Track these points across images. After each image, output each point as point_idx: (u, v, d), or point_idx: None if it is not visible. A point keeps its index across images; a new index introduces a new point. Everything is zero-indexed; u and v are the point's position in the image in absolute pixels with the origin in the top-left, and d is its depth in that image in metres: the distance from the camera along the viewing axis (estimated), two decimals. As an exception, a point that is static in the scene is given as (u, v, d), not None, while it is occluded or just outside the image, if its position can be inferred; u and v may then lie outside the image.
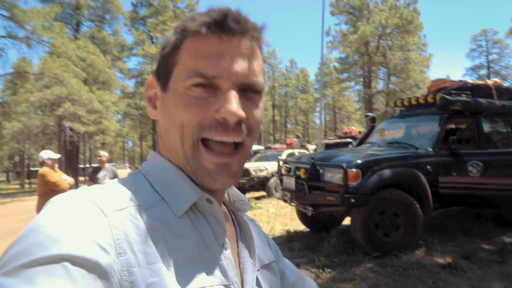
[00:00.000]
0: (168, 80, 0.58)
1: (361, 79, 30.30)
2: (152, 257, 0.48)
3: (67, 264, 0.40)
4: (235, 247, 0.64)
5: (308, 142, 23.21)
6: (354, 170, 4.67)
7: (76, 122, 23.52)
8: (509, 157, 5.32)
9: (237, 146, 0.58)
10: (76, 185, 25.53)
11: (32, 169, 42.30)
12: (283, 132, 46.87)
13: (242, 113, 0.55)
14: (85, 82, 26.35)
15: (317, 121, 49.55)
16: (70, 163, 27.67)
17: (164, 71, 0.59)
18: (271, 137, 46.61)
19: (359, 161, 4.78)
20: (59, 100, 22.45)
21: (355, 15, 27.64)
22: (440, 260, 4.60)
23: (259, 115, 0.60)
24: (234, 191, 0.70)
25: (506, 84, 7.03)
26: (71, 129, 25.20)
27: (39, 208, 5.13)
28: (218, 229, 0.59)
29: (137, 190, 0.55)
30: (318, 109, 46.82)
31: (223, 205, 0.69)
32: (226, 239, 0.59)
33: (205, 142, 0.56)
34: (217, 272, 0.55)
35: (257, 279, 0.64)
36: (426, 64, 27.32)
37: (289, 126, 49.13)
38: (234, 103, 0.54)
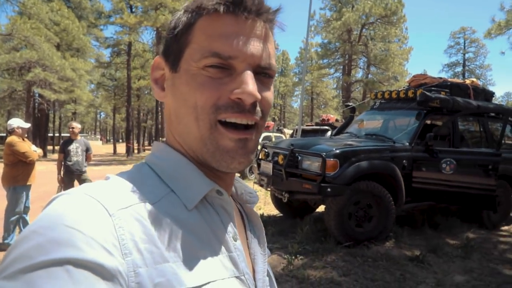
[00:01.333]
0: (179, 60, 0.56)
1: (341, 67, 30.44)
2: (159, 256, 0.46)
3: (69, 267, 0.39)
4: (244, 238, 0.63)
5: (285, 126, 23.30)
6: (332, 159, 4.70)
7: (46, 89, 22.59)
8: (480, 156, 5.49)
9: (248, 128, 0.57)
10: (44, 155, 24.76)
11: (-3, 134, 40.70)
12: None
13: (258, 95, 0.54)
14: (58, 47, 25.26)
15: (294, 105, 49.80)
16: (38, 131, 26.72)
17: (174, 51, 0.57)
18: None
19: (337, 151, 4.81)
20: (29, 64, 21.45)
21: (340, 1, 27.53)
22: (408, 253, 4.74)
23: (271, 99, 0.59)
24: (241, 183, 0.69)
25: (479, 83, 7.20)
26: (41, 96, 24.20)
27: (5, 178, 4.92)
28: (228, 221, 0.58)
29: (143, 183, 0.53)
30: (296, 93, 47.04)
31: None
32: (236, 231, 0.58)
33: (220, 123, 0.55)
34: (228, 264, 0.54)
35: (267, 269, 0.65)
36: (405, 57, 27.69)
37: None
38: (250, 84, 0.53)
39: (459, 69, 45.03)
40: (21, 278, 0.38)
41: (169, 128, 0.61)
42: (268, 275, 0.65)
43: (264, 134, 13.04)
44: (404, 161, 5.21)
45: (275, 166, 5.28)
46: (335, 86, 37.76)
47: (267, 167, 5.49)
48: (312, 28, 28.19)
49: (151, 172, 0.57)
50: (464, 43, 44.73)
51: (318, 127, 12.09)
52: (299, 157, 5.04)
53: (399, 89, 6.43)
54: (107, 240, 0.43)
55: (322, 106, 42.02)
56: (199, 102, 0.53)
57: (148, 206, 0.49)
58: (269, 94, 0.59)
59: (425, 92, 5.54)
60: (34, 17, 22.12)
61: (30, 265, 0.38)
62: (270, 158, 5.60)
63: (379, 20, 25.96)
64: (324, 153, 4.72)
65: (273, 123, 14.58)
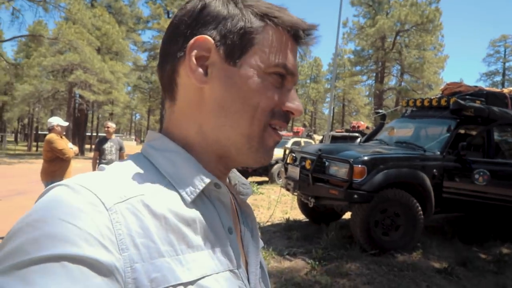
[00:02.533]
0: (240, 56, 0.56)
1: (374, 74, 29.98)
2: (155, 251, 0.46)
3: (66, 263, 0.38)
4: (238, 230, 0.64)
5: (315, 132, 23.17)
6: (360, 166, 4.67)
7: (86, 90, 23.63)
8: None
9: None
10: (81, 153, 25.80)
11: (40, 132, 42.73)
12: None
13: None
14: (98, 51, 26.36)
15: (326, 112, 49.37)
16: (77, 130, 27.90)
17: (235, 45, 0.56)
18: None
19: (365, 158, 4.77)
20: (72, 66, 22.55)
21: (374, 8, 27.14)
22: (436, 264, 4.63)
23: None
24: (235, 174, 0.73)
25: None
26: (81, 97, 25.30)
27: (44, 173, 5.20)
28: (224, 214, 0.58)
29: (140, 175, 0.53)
30: (328, 99, 46.62)
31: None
32: (232, 224, 0.59)
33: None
34: (223, 258, 0.54)
35: (260, 261, 0.66)
36: (441, 66, 26.93)
37: (297, 114, 48.86)
38: (299, 101, 0.61)
39: (498, 78, 43.23)
40: (16, 273, 0.37)
41: (194, 116, 0.59)
42: (261, 267, 0.66)
43: (293, 140, 13.07)
44: (435, 170, 5.09)
45: (302, 171, 5.30)
46: (367, 93, 37.18)
47: (294, 171, 5.51)
48: (345, 35, 27.98)
49: (148, 164, 0.57)
50: (505, 52, 42.93)
51: (348, 133, 11.98)
52: (327, 163, 5.03)
53: (432, 97, 6.30)
54: (104, 235, 0.42)
55: (354, 113, 41.44)
56: (262, 104, 0.56)
57: (145, 199, 0.49)
58: None
59: (459, 100, 5.41)
60: (78, 22, 23.18)
61: (26, 260, 0.38)
62: (297, 162, 5.62)
63: (414, 28, 25.39)
64: (352, 159, 4.70)
65: (303, 128, 14.56)
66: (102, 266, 0.40)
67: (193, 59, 0.56)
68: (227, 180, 0.69)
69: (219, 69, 0.56)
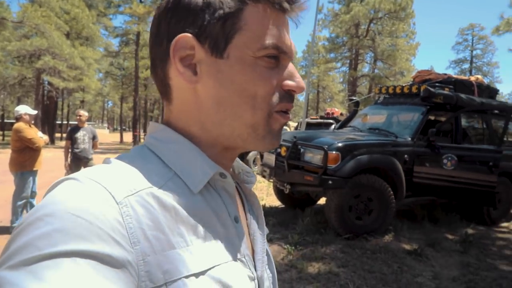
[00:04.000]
0: (225, 46, 0.53)
1: (348, 61, 30.31)
2: (166, 243, 0.46)
3: (78, 259, 0.37)
4: (243, 218, 0.63)
5: (290, 119, 23.29)
6: (334, 152, 4.76)
7: (55, 76, 22.81)
8: (482, 153, 5.52)
9: None
10: (52, 142, 25.03)
11: (6, 121, 41.13)
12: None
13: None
14: (68, 36, 25.41)
15: (300, 98, 49.66)
16: (47, 119, 26.99)
17: (217, 35, 0.53)
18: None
19: (339, 144, 4.87)
20: (39, 52, 21.63)
21: (349, -5, 27.33)
22: (407, 246, 4.81)
23: None
24: (238, 163, 0.69)
25: (486, 80, 7.17)
26: (50, 84, 24.48)
27: (13, 163, 5.04)
28: (230, 203, 0.58)
29: (146, 168, 0.52)
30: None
31: None
32: (237, 212, 0.59)
33: None
34: (230, 247, 0.54)
35: (266, 249, 0.66)
36: (412, 53, 27.46)
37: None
38: (300, 77, 0.58)
39: (466, 66, 44.53)
40: (27, 269, 0.36)
41: (193, 115, 0.57)
42: (267, 254, 0.66)
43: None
44: (406, 155, 5.26)
45: (278, 158, 5.36)
46: (341, 80, 37.59)
47: (270, 158, 5.57)
48: (320, 22, 28.05)
49: (152, 155, 0.56)
50: (472, 40, 44.17)
51: (322, 120, 12.13)
52: (302, 149, 5.11)
53: (403, 85, 6.46)
54: (115, 229, 0.42)
55: (328, 100, 41.86)
56: (260, 93, 0.54)
57: (154, 191, 0.48)
58: None
59: (429, 88, 5.57)
60: (45, 5, 22.23)
61: (36, 255, 0.37)
62: (273, 150, 5.67)
63: (387, 15, 25.73)
64: (326, 146, 4.78)
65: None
66: (115, 261, 0.40)
67: (178, 61, 0.54)
68: (231, 169, 0.68)
69: (207, 64, 0.54)
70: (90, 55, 25.45)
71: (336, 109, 13.12)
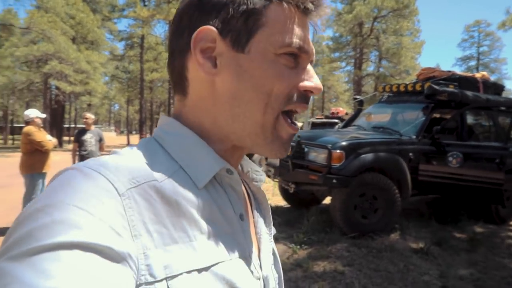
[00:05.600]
0: (247, 41, 0.53)
1: (352, 60, 30.25)
2: (168, 237, 0.45)
3: (77, 250, 0.37)
4: (250, 217, 0.63)
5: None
6: (338, 151, 4.76)
7: (62, 81, 23.02)
8: (488, 150, 5.48)
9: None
10: (60, 145, 25.27)
11: (16, 125, 41.57)
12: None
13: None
14: (73, 40, 25.66)
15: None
16: (55, 122, 27.25)
17: (240, 30, 0.53)
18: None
19: (343, 143, 4.87)
20: (46, 57, 21.87)
21: (352, -6, 27.28)
22: (413, 245, 4.79)
23: None
24: (247, 161, 0.68)
25: (493, 77, 7.10)
26: (57, 88, 24.69)
27: (23, 166, 5.12)
28: (236, 200, 0.57)
29: (152, 160, 0.51)
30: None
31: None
32: (243, 210, 0.58)
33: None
34: (235, 244, 0.53)
35: (273, 249, 0.66)
36: (418, 51, 27.34)
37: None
38: (318, 78, 0.57)
39: (473, 63, 44.13)
40: (26, 260, 0.36)
41: (208, 109, 0.57)
42: (273, 254, 0.66)
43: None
44: (411, 154, 5.24)
45: (282, 158, 5.36)
46: (346, 79, 37.51)
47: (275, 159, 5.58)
48: (323, 22, 27.95)
49: (159, 148, 0.55)
50: (479, 37, 43.74)
51: (327, 120, 12.11)
52: (306, 149, 5.11)
53: (407, 83, 6.44)
54: (117, 221, 0.41)
55: (334, 100, 41.79)
56: (276, 90, 0.53)
57: (158, 184, 0.48)
58: None
59: (433, 85, 5.55)
60: (51, 10, 22.47)
61: (36, 247, 0.36)
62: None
63: (391, 13, 25.64)
64: (330, 145, 4.78)
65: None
66: (115, 253, 0.39)
67: (199, 52, 0.54)
68: (240, 167, 0.67)
69: (228, 58, 0.54)
70: (96, 59, 25.66)
71: (341, 109, 13.12)
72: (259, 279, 0.56)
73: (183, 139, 0.56)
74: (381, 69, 29.01)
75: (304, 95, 0.56)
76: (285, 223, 5.54)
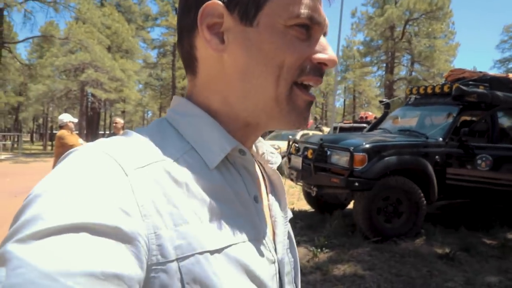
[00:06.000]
0: (256, 14, 0.51)
1: (384, 65, 29.71)
2: (179, 218, 0.44)
3: (86, 232, 0.36)
4: (265, 199, 0.62)
5: (326, 125, 23.14)
6: (360, 154, 4.70)
7: (98, 88, 23.96)
8: None
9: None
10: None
11: (55, 132, 43.53)
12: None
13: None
14: (109, 49, 26.67)
15: (336, 104, 49.14)
16: (90, 129, 28.36)
17: (247, 3, 0.51)
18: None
19: (366, 146, 4.80)
20: (83, 65, 22.87)
21: (383, -3, 26.88)
22: (439, 250, 4.64)
23: None
24: (262, 143, 0.66)
25: None
26: (93, 95, 25.71)
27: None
28: (250, 182, 0.56)
29: (162, 140, 0.51)
30: (338, 92, 46.38)
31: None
32: (257, 191, 0.57)
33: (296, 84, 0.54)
34: (248, 226, 0.52)
35: (288, 232, 0.64)
36: (452, 53, 26.49)
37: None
38: (332, 50, 0.54)
39: (512, 65, 42.12)
40: (34, 243, 0.35)
41: (218, 88, 0.56)
42: (289, 237, 0.65)
43: (302, 132, 13.08)
44: (437, 156, 5.09)
45: (305, 161, 5.35)
46: (378, 84, 36.85)
47: (297, 161, 5.57)
48: (354, 26, 27.74)
49: (170, 128, 0.55)
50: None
51: (356, 124, 11.96)
52: (328, 152, 5.08)
53: (435, 84, 6.27)
54: (125, 202, 0.40)
55: (365, 105, 41.06)
56: (287, 62, 0.51)
57: (167, 164, 0.47)
58: None
59: (461, 86, 5.38)
60: (88, 21, 23.51)
61: (44, 229, 0.35)
62: (300, 152, 5.67)
63: (423, 16, 25.02)
64: (352, 148, 4.73)
65: (312, 121, 14.55)
66: (124, 233, 0.38)
67: (206, 28, 0.52)
68: (254, 149, 0.65)
69: (236, 32, 0.52)
70: (130, 67, 26.57)
71: (370, 113, 12.92)
72: (273, 262, 0.55)
73: (194, 119, 0.55)
74: (413, 73, 28.33)
75: (319, 68, 0.54)
76: (307, 227, 5.50)
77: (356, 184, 4.62)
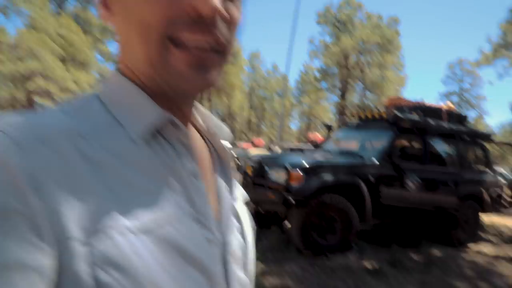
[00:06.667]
0: None
1: (338, 91, 31.01)
2: (89, 196, 0.39)
3: None
4: (209, 175, 0.56)
5: (278, 146, 23.58)
6: (297, 172, 4.84)
7: (47, 99, 23.02)
8: (443, 176, 5.63)
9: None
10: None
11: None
12: (256, 133, 46.90)
13: (221, 8, 0.44)
14: (63, 60, 25.84)
15: (292, 126, 50.26)
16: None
17: None
18: (244, 136, 46.54)
19: (303, 164, 4.96)
20: (32, 74, 21.95)
21: (339, 28, 28.25)
22: (369, 265, 4.83)
23: (239, 19, 0.49)
24: (208, 116, 0.61)
25: (473, 113, 7.39)
26: (41, 106, 24.64)
27: None
28: (187, 156, 0.51)
29: (82, 113, 0.46)
30: (294, 114, 47.43)
31: (196, 132, 0.59)
32: (196, 167, 0.52)
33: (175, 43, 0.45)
34: (183, 203, 0.47)
35: (237, 213, 0.59)
36: (401, 84, 28.28)
37: (264, 128, 48.90)
38: None
39: (455, 99, 45.26)
40: None
41: (121, 56, 0.52)
42: (241, 219, 0.59)
43: (254, 152, 13.23)
44: (371, 177, 5.34)
45: (245, 177, 5.43)
46: (333, 109, 38.29)
47: (237, 178, 5.64)
48: (312, 53, 28.85)
49: (95, 100, 0.50)
50: (461, 74, 45.06)
51: (304, 146, 12.29)
52: (266, 169, 5.20)
53: (373, 110, 6.65)
54: (17, 179, 0.36)
55: (320, 128, 42.39)
56: (147, 16, 0.43)
57: (79, 139, 0.42)
58: (237, 12, 0.49)
59: (396, 112, 5.74)
60: (41, 30, 22.74)
61: None
62: (241, 170, 5.77)
63: (375, 47, 26.59)
64: (290, 165, 4.87)
65: (263, 142, 14.79)
66: (18, 215, 0.35)
67: (99, 2, 0.49)
68: (202, 123, 0.61)
69: None
70: (85, 79, 25.79)
71: (320, 136, 13.29)
72: (215, 243, 0.50)
73: (121, 90, 0.50)
74: (365, 100, 29.72)
75: (196, 20, 0.44)
76: (246, 242, 5.53)
77: (292, 201, 4.74)
